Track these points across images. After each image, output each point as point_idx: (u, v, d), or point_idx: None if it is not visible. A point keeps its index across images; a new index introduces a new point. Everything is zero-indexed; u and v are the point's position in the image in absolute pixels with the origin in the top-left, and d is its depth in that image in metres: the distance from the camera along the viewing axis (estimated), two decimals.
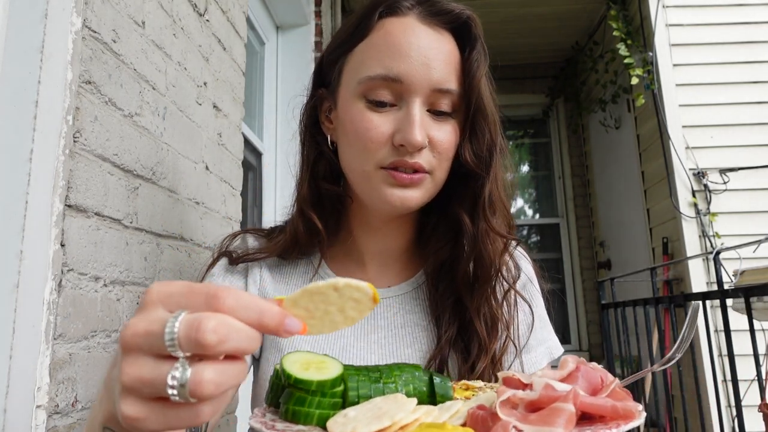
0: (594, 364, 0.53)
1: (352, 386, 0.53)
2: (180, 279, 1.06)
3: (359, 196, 0.78)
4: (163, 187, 1.00)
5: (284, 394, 0.52)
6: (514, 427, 0.43)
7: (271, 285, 0.82)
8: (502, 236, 0.77)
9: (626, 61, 3.14)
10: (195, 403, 0.37)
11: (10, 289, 0.65)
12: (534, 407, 0.46)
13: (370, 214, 0.80)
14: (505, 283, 0.79)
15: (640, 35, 3.29)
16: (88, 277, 0.78)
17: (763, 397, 1.75)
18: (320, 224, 0.79)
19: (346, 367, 0.54)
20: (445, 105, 0.73)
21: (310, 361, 0.53)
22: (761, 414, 1.65)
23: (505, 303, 0.78)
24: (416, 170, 0.72)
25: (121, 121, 0.87)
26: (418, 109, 0.71)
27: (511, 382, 0.50)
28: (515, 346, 0.78)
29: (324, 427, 0.49)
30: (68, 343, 0.73)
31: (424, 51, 0.72)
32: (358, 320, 0.46)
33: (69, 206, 0.74)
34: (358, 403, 0.52)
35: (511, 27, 3.96)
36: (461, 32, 0.76)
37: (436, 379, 0.56)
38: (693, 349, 2.24)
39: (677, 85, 3.10)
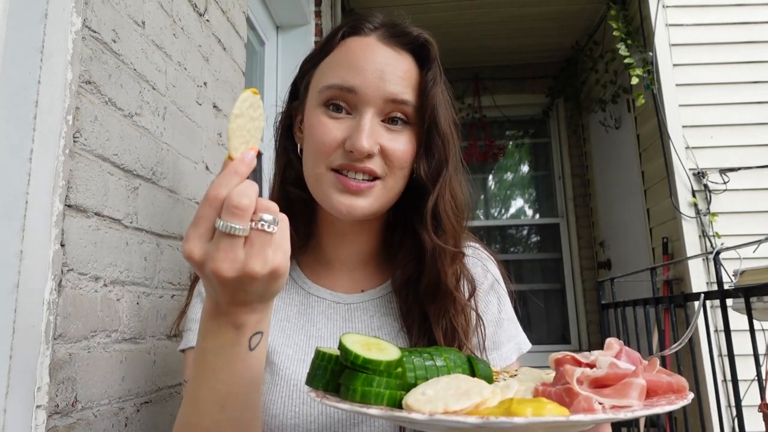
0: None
1: (409, 367, 0.55)
2: (179, 280, 1.06)
3: (317, 201, 0.81)
4: (163, 187, 1.00)
5: (346, 375, 0.53)
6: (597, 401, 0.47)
7: None
8: (442, 248, 0.79)
9: (626, 61, 3.13)
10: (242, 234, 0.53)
11: (10, 289, 0.65)
12: (598, 384, 0.50)
13: (334, 220, 0.83)
14: (466, 292, 0.81)
15: (640, 35, 3.29)
16: (88, 277, 0.78)
17: (763, 397, 1.75)
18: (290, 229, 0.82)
19: (399, 349, 0.56)
20: (399, 114, 0.77)
21: (370, 342, 0.55)
22: (761, 414, 1.65)
23: (463, 314, 0.80)
24: (367, 176, 0.76)
25: (121, 121, 0.87)
26: (369, 118, 0.75)
27: (563, 362, 0.54)
28: (473, 351, 0.80)
29: (393, 407, 0.50)
30: (68, 343, 0.73)
31: (380, 66, 0.77)
32: (264, 116, 0.59)
33: (69, 206, 0.74)
34: (415, 384, 0.53)
35: (511, 27, 3.96)
36: (420, 54, 0.81)
37: (480, 364, 0.59)
38: (693, 349, 2.24)
39: (677, 85, 3.10)
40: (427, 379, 0.54)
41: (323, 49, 0.82)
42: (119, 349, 0.85)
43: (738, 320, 1.91)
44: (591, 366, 0.53)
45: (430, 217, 0.79)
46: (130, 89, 0.89)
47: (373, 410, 0.49)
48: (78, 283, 0.75)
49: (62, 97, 0.72)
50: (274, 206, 0.55)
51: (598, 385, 0.50)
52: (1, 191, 0.66)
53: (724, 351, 2.20)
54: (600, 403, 0.47)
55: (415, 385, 0.53)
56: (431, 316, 0.78)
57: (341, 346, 0.53)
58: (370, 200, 0.76)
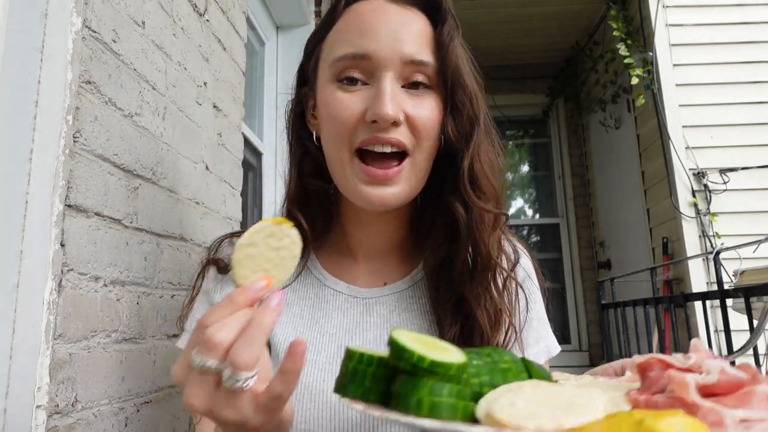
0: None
1: (472, 372, 0.44)
2: (179, 280, 1.06)
3: (341, 192, 0.76)
4: (163, 187, 1.00)
5: (403, 382, 0.41)
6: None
7: None
8: (485, 210, 0.72)
9: (626, 61, 3.14)
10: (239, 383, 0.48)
11: (10, 289, 0.65)
12: (706, 392, 0.43)
13: (359, 209, 0.77)
14: (503, 271, 0.75)
15: (640, 35, 3.29)
16: (88, 277, 0.78)
17: None
18: (305, 224, 0.77)
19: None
20: (420, 78, 0.71)
21: (426, 340, 0.44)
22: None
23: (505, 291, 0.75)
24: (395, 148, 0.70)
25: (121, 121, 0.87)
26: (388, 82, 0.69)
27: (650, 366, 0.46)
28: (516, 332, 0.74)
29: (467, 420, 0.39)
30: (68, 343, 0.73)
31: (393, 26, 0.70)
32: (298, 245, 0.54)
33: (69, 206, 0.74)
34: (480, 392, 0.42)
35: (511, 27, 3.96)
36: (432, 9, 0.75)
37: (536, 367, 0.49)
38: None
39: (677, 85, 3.10)
40: (493, 386, 0.43)
41: (327, 21, 0.76)
42: (119, 349, 0.85)
43: (738, 320, 1.92)
44: (689, 371, 0.45)
45: (467, 179, 0.72)
46: (130, 89, 0.89)
47: (460, 426, 0.37)
48: (78, 283, 0.75)
49: (62, 97, 0.72)
50: (262, 356, 0.49)
51: (707, 393, 0.43)
52: (1, 191, 0.66)
53: (724, 351, 2.20)
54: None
55: (480, 393, 0.42)
56: (471, 299, 0.72)
57: (395, 345, 0.42)
58: (402, 185, 0.71)
